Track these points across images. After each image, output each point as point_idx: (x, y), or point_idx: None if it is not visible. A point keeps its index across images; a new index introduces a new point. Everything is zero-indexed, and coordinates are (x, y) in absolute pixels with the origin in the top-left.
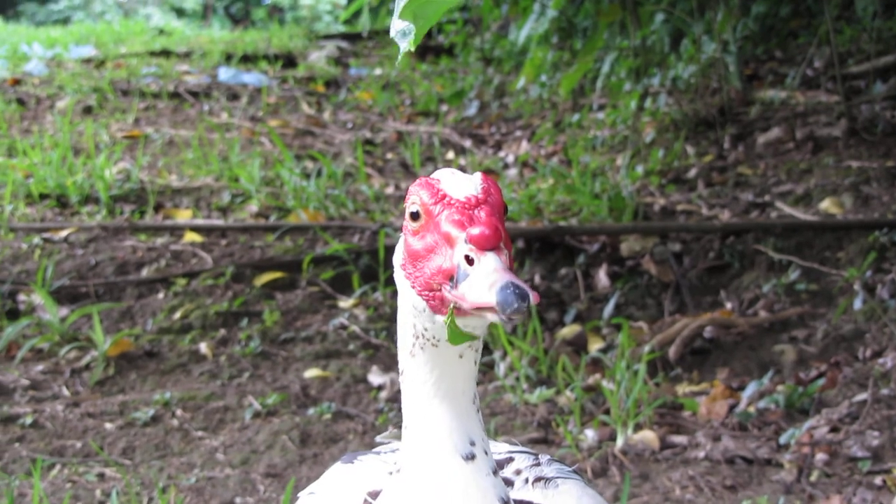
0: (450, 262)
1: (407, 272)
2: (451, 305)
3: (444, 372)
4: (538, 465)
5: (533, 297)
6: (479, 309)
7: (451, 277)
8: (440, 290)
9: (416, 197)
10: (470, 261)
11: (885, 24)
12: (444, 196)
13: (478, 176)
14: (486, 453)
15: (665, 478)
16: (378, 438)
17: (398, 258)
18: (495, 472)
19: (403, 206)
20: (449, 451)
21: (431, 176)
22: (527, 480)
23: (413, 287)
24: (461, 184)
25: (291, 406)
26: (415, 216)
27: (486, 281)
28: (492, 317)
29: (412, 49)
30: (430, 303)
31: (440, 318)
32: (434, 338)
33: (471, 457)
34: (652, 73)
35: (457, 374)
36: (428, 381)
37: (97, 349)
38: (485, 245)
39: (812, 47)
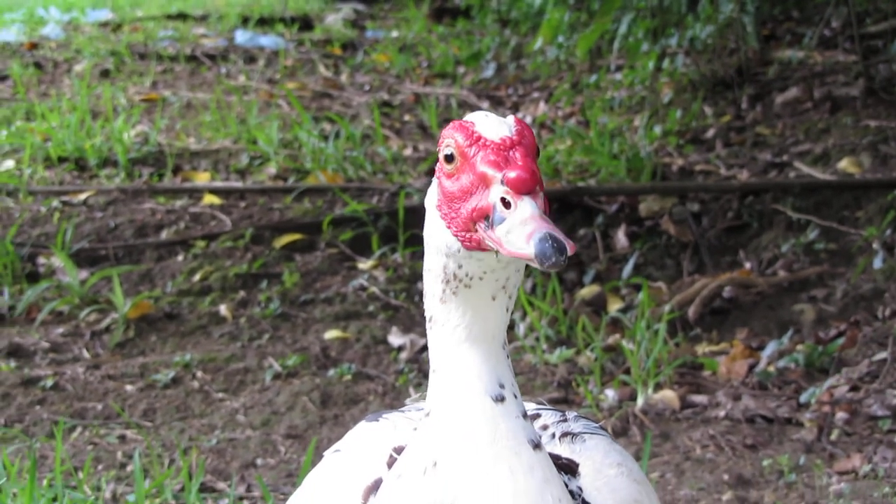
0: (486, 201)
1: (442, 213)
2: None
3: (477, 315)
4: (565, 420)
5: (570, 248)
6: (516, 256)
7: (487, 217)
8: (476, 230)
9: (451, 139)
10: (507, 203)
11: None
12: (480, 137)
13: (511, 118)
14: (515, 397)
15: (685, 437)
16: (407, 401)
17: (432, 200)
18: (524, 416)
19: (437, 151)
20: (479, 391)
21: (465, 118)
22: (553, 435)
23: (449, 227)
24: (495, 125)
25: (311, 367)
26: (449, 158)
27: (524, 230)
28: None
29: None
30: (466, 243)
31: (477, 254)
32: (468, 276)
33: (500, 398)
34: (669, 34)
35: (489, 317)
36: (460, 325)
37: (117, 311)
38: (521, 189)
39: (830, 7)
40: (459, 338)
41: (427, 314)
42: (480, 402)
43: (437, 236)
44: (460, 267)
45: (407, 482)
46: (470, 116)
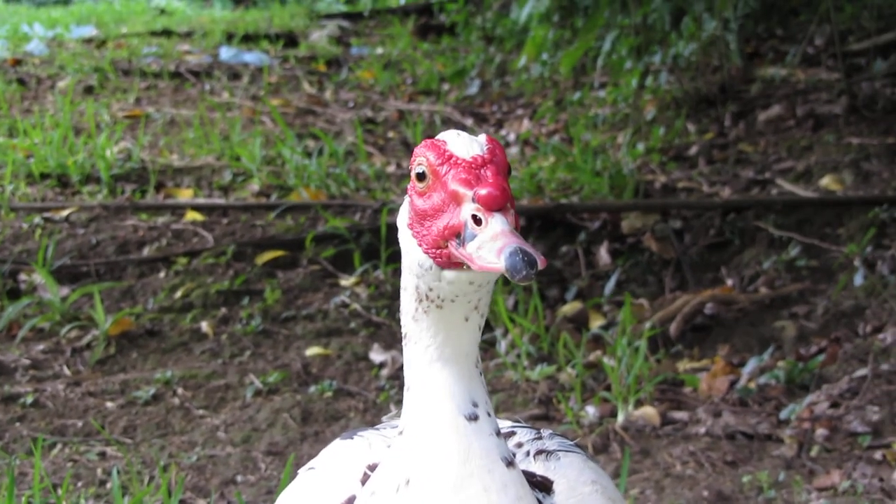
0: (457, 219)
1: (414, 231)
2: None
3: (449, 335)
4: (540, 438)
5: (540, 263)
6: (488, 270)
7: (458, 234)
8: (447, 247)
9: (423, 158)
10: (478, 220)
11: (886, 0)
12: (451, 156)
13: (482, 137)
14: (488, 415)
15: (666, 453)
16: (384, 419)
17: (404, 219)
18: (498, 434)
19: (409, 169)
20: (452, 410)
21: (437, 137)
22: (528, 453)
23: (420, 245)
24: (467, 144)
25: (293, 384)
26: (421, 177)
27: (494, 245)
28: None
29: None
30: (437, 260)
31: (447, 275)
32: (439, 298)
33: (474, 417)
34: (653, 51)
35: (461, 337)
36: (432, 345)
37: (98, 328)
38: (492, 206)
39: (813, 25)
40: (432, 357)
41: (403, 331)
42: (454, 421)
43: (410, 255)
44: (430, 289)
45: (380, 499)
46: (442, 135)
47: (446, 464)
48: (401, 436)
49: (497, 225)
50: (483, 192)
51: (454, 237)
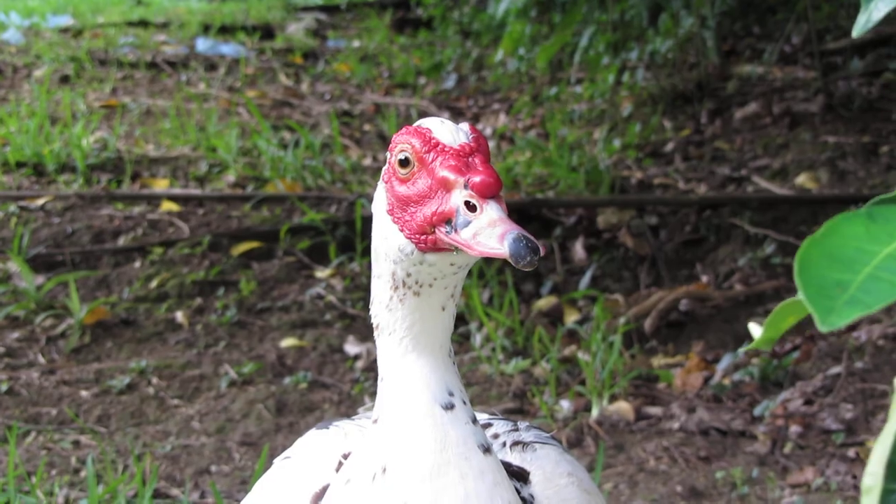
0: (447, 205)
1: (395, 217)
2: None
3: (425, 325)
4: (516, 430)
5: (542, 249)
6: (488, 255)
7: (449, 220)
8: (433, 233)
9: (407, 145)
10: (471, 207)
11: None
12: (438, 143)
13: (465, 125)
14: (464, 403)
15: (640, 448)
16: (360, 410)
17: (381, 205)
18: (474, 421)
19: (388, 156)
20: (428, 400)
21: (419, 124)
22: (504, 444)
23: (402, 230)
24: (453, 132)
25: (267, 375)
26: (404, 163)
27: (494, 231)
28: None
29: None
30: (420, 245)
31: (430, 258)
32: (417, 284)
33: (449, 406)
34: (630, 48)
35: (436, 326)
36: (407, 336)
37: (73, 317)
38: (487, 192)
39: (790, 23)
40: (407, 348)
41: (374, 321)
42: (430, 411)
43: (389, 241)
44: (409, 275)
45: (355, 488)
46: (424, 122)
47: (423, 452)
48: (375, 424)
49: (494, 212)
50: (477, 179)
51: (443, 223)
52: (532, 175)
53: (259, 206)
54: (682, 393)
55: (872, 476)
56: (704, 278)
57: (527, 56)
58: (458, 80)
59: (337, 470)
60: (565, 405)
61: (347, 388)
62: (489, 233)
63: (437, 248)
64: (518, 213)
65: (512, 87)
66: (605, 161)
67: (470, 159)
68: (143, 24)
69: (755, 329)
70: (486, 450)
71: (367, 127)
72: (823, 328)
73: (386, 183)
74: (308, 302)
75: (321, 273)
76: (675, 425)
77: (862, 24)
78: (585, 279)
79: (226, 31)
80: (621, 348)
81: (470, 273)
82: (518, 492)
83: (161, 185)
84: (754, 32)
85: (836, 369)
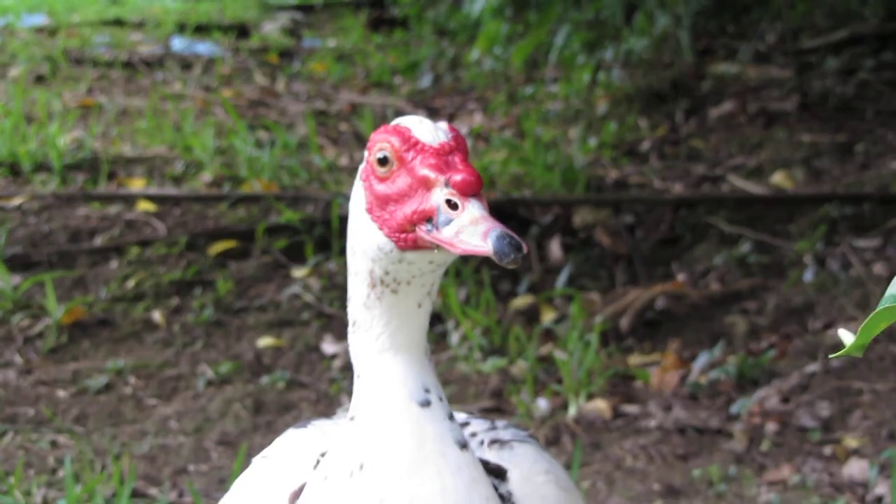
0: (427, 203)
1: (374, 215)
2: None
3: (402, 322)
4: (494, 429)
5: (524, 247)
6: (471, 254)
7: (429, 218)
8: (413, 231)
9: (386, 143)
10: (453, 205)
11: (840, 3)
12: (417, 142)
13: (444, 124)
14: (440, 400)
15: (617, 447)
16: (339, 411)
17: (359, 204)
18: (451, 418)
19: (367, 154)
20: (405, 398)
21: (398, 123)
22: (482, 442)
23: (381, 229)
24: (431, 130)
25: (245, 374)
26: (383, 161)
27: (476, 229)
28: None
29: None
30: (400, 244)
31: (409, 256)
32: (395, 281)
33: (426, 403)
34: (605, 47)
35: (413, 323)
36: (384, 333)
37: (50, 317)
38: (468, 191)
39: (765, 22)
40: (383, 345)
41: (350, 318)
42: (407, 408)
43: (367, 239)
44: (387, 273)
45: (333, 485)
46: (402, 121)
47: (400, 449)
48: (352, 422)
49: (476, 209)
50: (458, 177)
51: (424, 221)
52: (508, 174)
53: (235, 205)
54: (658, 391)
55: None
56: (680, 277)
57: (502, 55)
58: (433, 79)
59: (315, 468)
60: (542, 404)
61: (325, 388)
62: (472, 230)
63: (417, 246)
64: (494, 212)
65: (488, 86)
66: (580, 160)
67: (450, 158)
68: (119, 23)
69: (846, 336)
70: (463, 446)
71: (343, 126)
72: None
73: (364, 181)
74: (285, 301)
75: (298, 272)
76: (652, 423)
77: None
78: (562, 278)
79: (201, 30)
80: (598, 347)
81: (447, 272)
82: (496, 489)
83: (137, 185)
84: (729, 31)
85: (812, 367)
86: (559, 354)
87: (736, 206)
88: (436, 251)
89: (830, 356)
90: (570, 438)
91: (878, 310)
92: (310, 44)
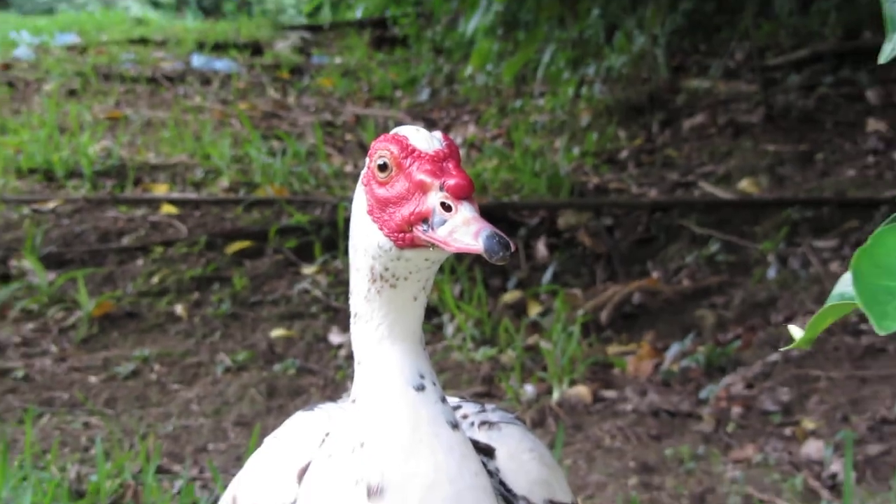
0: (425, 206)
1: (374, 217)
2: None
3: (399, 314)
4: (484, 411)
5: (512, 245)
6: (464, 251)
7: (426, 219)
8: (411, 231)
9: (386, 151)
10: (447, 207)
11: (801, 20)
12: (414, 150)
13: (438, 133)
14: (434, 385)
15: (596, 428)
16: (344, 396)
17: (361, 206)
18: (443, 401)
19: (367, 160)
20: (401, 383)
21: (396, 132)
22: (473, 423)
23: (381, 229)
24: (427, 139)
25: (259, 362)
26: (383, 167)
27: (469, 229)
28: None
29: None
30: (399, 243)
31: (407, 254)
32: (393, 277)
33: (421, 388)
34: (588, 64)
35: (410, 315)
36: (383, 324)
37: (82, 310)
38: (461, 194)
39: (733, 41)
40: (382, 335)
41: (352, 310)
42: (403, 392)
43: (368, 238)
44: (386, 269)
45: (336, 460)
46: (401, 130)
47: (397, 429)
48: (354, 404)
49: (468, 211)
50: (452, 182)
51: (420, 222)
52: (498, 180)
53: (250, 208)
54: (634, 378)
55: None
56: (655, 274)
57: (494, 71)
58: (431, 93)
59: (320, 447)
60: (529, 389)
61: (332, 374)
62: (464, 230)
63: (414, 244)
64: (486, 214)
65: (480, 99)
66: (564, 167)
67: (444, 164)
68: (143, 41)
69: (796, 331)
70: (455, 426)
71: (348, 136)
72: (880, 331)
73: (365, 186)
74: (295, 296)
75: (307, 270)
76: (629, 407)
77: (888, 53)
78: (547, 275)
79: (219, 48)
80: (579, 338)
81: (442, 269)
82: (484, 465)
83: (161, 190)
84: (701, 50)
85: (774, 357)
86: (544, 344)
87: (706, 209)
88: (431, 249)
89: (781, 348)
90: (554, 420)
91: (824, 307)
92: (318, 61)
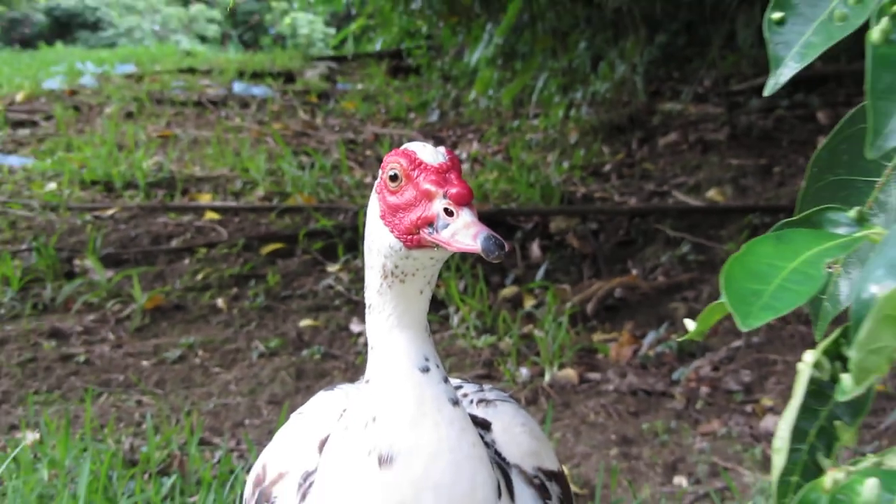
0: (430, 211)
1: (387, 221)
2: (436, 244)
3: (407, 306)
4: (482, 391)
5: (507, 246)
6: (464, 251)
7: (431, 223)
8: (418, 233)
9: (396, 164)
10: (449, 213)
11: (760, 52)
12: (421, 163)
13: (442, 148)
14: (437, 367)
15: (582, 406)
16: (362, 378)
17: (374, 212)
18: (446, 381)
19: (381, 172)
20: (409, 366)
21: (405, 147)
22: (472, 401)
23: (392, 232)
24: (433, 153)
25: (289, 348)
26: (394, 178)
27: (469, 231)
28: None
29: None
30: (407, 244)
31: (415, 253)
32: (402, 273)
33: (426, 370)
34: (576, 89)
35: (416, 306)
36: (393, 314)
37: (136, 303)
38: (461, 201)
39: (702, 70)
40: (392, 324)
41: (367, 302)
42: (410, 374)
43: (381, 240)
44: (396, 266)
45: (351, 433)
46: (409, 146)
47: (405, 406)
48: (367, 384)
49: (468, 216)
50: (454, 190)
51: (427, 226)
52: (498, 190)
53: (282, 215)
54: (616, 362)
55: (781, 440)
56: (634, 272)
57: (494, 96)
58: (440, 115)
59: (338, 421)
60: (524, 372)
61: (352, 359)
62: (465, 233)
63: (421, 245)
64: (487, 220)
65: (483, 120)
66: (556, 179)
67: (447, 175)
68: (191, 70)
69: (690, 324)
70: (455, 403)
71: (368, 152)
72: (743, 328)
73: (378, 194)
74: (321, 291)
75: (331, 268)
76: (611, 387)
77: (771, 86)
78: (540, 272)
79: (256, 76)
80: (568, 327)
81: (449, 267)
82: (482, 437)
83: (205, 199)
84: (674, 77)
85: (737, 343)
86: (537, 333)
87: (678, 215)
88: (435, 249)
89: (677, 339)
90: (546, 399)
91: (711, 305)
92: (342, 87)
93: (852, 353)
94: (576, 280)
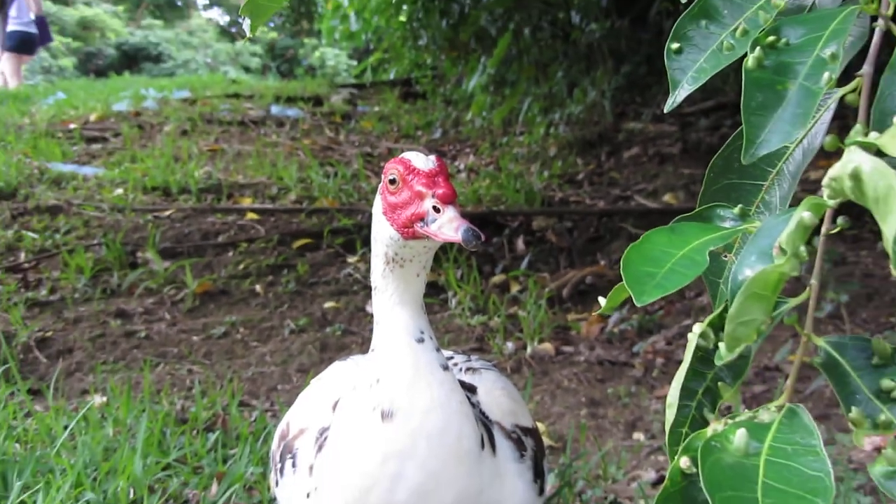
0: (422, 209)
1: (388, 216)
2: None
3: (406, 287)
4: (469, 360)
5: (483, 237)
6: (448, 241)
7: (423, 219)
8: (412, 226)
9: (395, 169)
10: (437, 209)
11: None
12: (415, 168)
13: (433, 157)
14: (431, 339)
15: (558, 374)
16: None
17: (378, 209)
18: (438, 350)
19: (383, 177)
20: (407, 337)
21: (402, 156)
22: (461, 369)
23: (392, 225)
24: (424, 161)
25: (315, 326)
26: (393, 181)
27: (452, 225)
28: (442, 241)
29: (252, 34)
30: (404, 235)
31: (411, 243)
32: (402, 259)
33: (421, 340)
34: (555, 111)
35: (414, 287)
36: (395, 294)
37: (188, 288)
38: (447, 200)
39: (660, 95)
40: (393, 302)
41: (373, 284)
42: (408, 344)
43: (383, 232)
44: (396, 254)
45: (359, 392)
46: (406, 154)
47: (403, 370)
48: (373, 352)
49: (451, 212)
50: (441, 191)
51: (419, 220)
52: (490, 195)
53: (311, 215)
54: (586, 337)
55: (673, 398)
56: (602, 262)
57: (487, 116)
58: (442, 132)
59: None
60: (509, 346)
61: (368, 335)
62: (449, 226)
63: (415, 236)
64: (481, 219)
65: (478, 137)
66: (537, 185)
67: (436, 178)
68: (236, 95)
69: (602, 301)
70: (445, 368)
71: (382, 163)
72: (638, 303)
73: (381, 194)
74: (342, 278)
75: (351, 259)
76: (581, 358)
77: (670, 104)
78: (524, 263)
79: (290, 100)
80: (546, 308)
81: (448, 258)
82: (468, 399)
83: (246, 202)
84: (637, 101)
85: (687, 322)
86: (521, 313)
87: (639, 216)
88: (427, 240)
89: (595, 312)
90: (527, 368)
91: (617, 286)
92: (362, 109)
93: (726, 326)
94: (554, 269)
